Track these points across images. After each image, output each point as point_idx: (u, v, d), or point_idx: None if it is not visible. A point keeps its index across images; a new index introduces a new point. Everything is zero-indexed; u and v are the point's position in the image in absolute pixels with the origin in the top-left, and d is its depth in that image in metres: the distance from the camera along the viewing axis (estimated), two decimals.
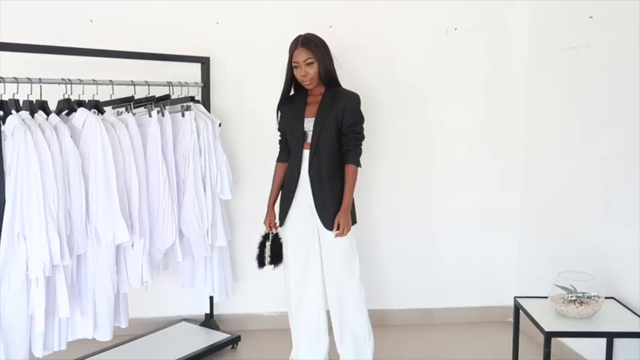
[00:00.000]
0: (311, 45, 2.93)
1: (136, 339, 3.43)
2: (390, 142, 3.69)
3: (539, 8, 3.63)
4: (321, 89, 3.04)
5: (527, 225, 3.80)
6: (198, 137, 3.20)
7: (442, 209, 3.87)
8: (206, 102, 3.49)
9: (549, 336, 2.49)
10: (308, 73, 2.93)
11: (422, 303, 3.92)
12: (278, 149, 3.22)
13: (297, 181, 3.03)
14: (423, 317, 3.92)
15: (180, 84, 3.28)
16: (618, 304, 2.79)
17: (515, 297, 2.90)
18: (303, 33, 2.97)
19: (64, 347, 2.71)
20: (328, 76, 2.99)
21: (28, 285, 2.53)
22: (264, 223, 3.18)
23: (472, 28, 3.75)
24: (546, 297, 2.76)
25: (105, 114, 2.86)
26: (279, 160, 3.20)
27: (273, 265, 3.15)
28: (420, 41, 3.73)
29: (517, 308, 2.86)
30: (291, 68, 2.99)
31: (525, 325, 2.89)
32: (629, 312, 2.69)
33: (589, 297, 2.63)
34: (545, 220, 3.58)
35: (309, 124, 3.01)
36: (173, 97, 3.24)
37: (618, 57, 2.89)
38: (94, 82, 2.84)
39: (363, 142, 3.06)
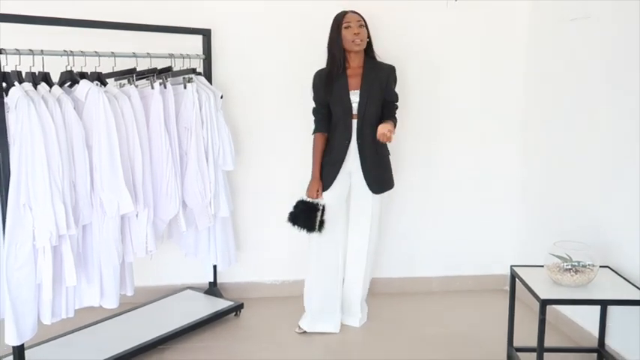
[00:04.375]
0: (359, 13, 3.14)
1: (141, 307, 3.46)
2: (401, 115, 3.66)
3: None
4: (360, 62, 3.17)
5: (524, 195, 3.80)
6: (200, 109, 3.18)
7: (443, 180, 3.88)
8: (208, 74, 3.46)
9: (545, 303, 2.50)
10: (361, 33, 3.08)
11: (421, 271, 3.95)
12: (314, 121, 3.27)
13: (347, 150, 3.17)
14: (421, 285, 3.94)
15: (182, 56, 3.26)
16: (612, 272, 2.79)
17: (512, 266, 2.90)
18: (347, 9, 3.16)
19: (71, 315, 2.73)
20: (370, 45, 3.19)
21: (35, 254, 2.54)
22: (309, 191, 3.22)
23: (471, 1, 3.69)
24: (542, 266, 2.77)
25: (107, 86, 2.84)
26: (319, 131, 3.24)
27: (320, 231, 3.18)
28: (420, 15, 3.69)
29: (513, 277, 2.87)
30: (338, 34, 3.09)
31: (521, 293, 2.90)
32: (623, 280, 2.70)
33: (584, 266, 2.63)
34: (543, 191, 3.58)
35: (354, 97, 3.14)
36: (175, 69, 3.22)
37: (618, 28, 2.85)
38: (96, 54, 2.82)
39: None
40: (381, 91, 3.14)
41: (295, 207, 3.20)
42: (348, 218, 3.34)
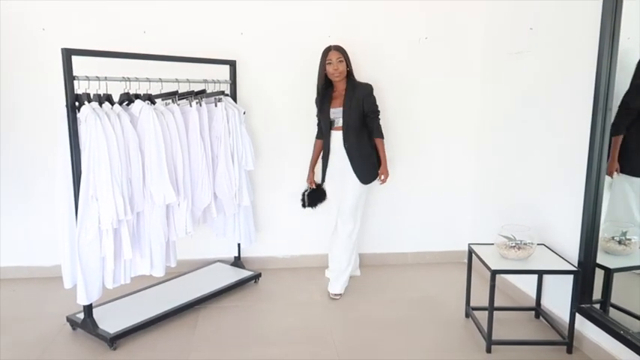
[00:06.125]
0: (341, 49, 3.16)
1: (182, 275, 3.48)
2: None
3: (492, 20, 3.58)
4: (344, 85, 3.19)
5: (479, 188, 3.82)
6: (228, 122, 3.19)
7: (416, 176, 3.88)
8: (233, 95, 3.47)
9: (494, 273, 2.52)
10: (339, 68, 3.12)
11: (398, 248, 3.96)
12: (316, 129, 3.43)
13: (328, 154, 3.28)
14: (399, 259, 3.96)
15: (213, 81, 3.27)
16: (547, 249, 2.81)
17: (469, 243, 2.92)
18: (332, 44, 3.19)
19: (128, 281, 2.76)
20: (350, 72, 3.20)
21: (100, 234, 2.57)
22: (307, 180, 3.47)
23: (438, 38, 3.70)
24: (492, 244, 2.79)
25: (156, 104, 2.85)
26: (317, 137, 3.41)
27: (311, 207, 3.46)
28: (399, 48, 3.69)
29: (470, 252, 2.89)
30: (324, 68, 3.16)
31: (476, 264, 2.92)
32: (555, 255, 2.72)
33: (525, 243, 2.65)
34: (493, 185, 3.59)
35: (334, 114, 3.20)
36: (208, 91, 3.23)
37: (553, 61, 2.86)
38: (148, 80, 2.83)
39: (380, 117, 3.26)
40: (360, 105, 3.14)
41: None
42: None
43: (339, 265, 3.33)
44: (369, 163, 3.24)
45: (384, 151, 3.26)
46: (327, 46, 3.18)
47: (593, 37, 2.41)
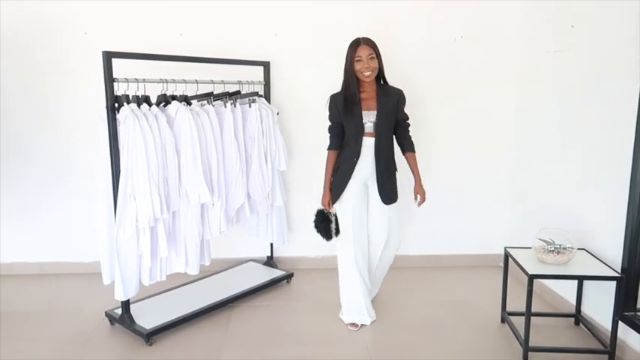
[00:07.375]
0: (372, 44, 2.70)
1: (216, 273, 3.52)
2: (416, 125, 3.65)
3: (529, 18, 3.48)
4: (373, 86, 2.76)
5: (515, 190, 3.72)
6: (262, 123, 3.22)
7: (453, 181, 3.82)
8: (267, 96, 3.50)
9: (532, 277, 2.45)
10: (370, 66, 2.67)
11: (433, 250, 3.91)
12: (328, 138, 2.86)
13: (356, 164, 2.76)
14: (433, 261, 3.90)
15: (247, 82, 3.30)
16: (587, 253, 2.72)
17: (506, 247, 2.85)
18: (361, 37, 2.73)
19: (164, 278, 2.81)
20: (382, 71, 2.77)
21: (137, 233, 2.62)
22: (322, 202, 2.88)
23: (474, 36, 3.63)
24: (530, 247, 2.72)
25: (192, 105, 2.90)
26: (332, 148, 2.84)
27: (336, 236, 2.90)
28: (434, 48, 3.64)
29: (507, 256, 2.82)
30: (351, 64, 2.70)
31: (513, 269, 2.85)
32: (596, 260, 2.62)
33: (564, 248, 2.57)
34: (530, 187, 3.49)
35: (367, 117, 2.73)
36: (242, 92, 3.26)
37: (594, 59, 2.77)
38: (184, 82, 2.88)
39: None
40: (394, 111, 2.76)
41: (316, 216, 2.92)
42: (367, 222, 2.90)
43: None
44: (393, 180, 2.86)
45: (418, 167, 2.84)
46: (355, 38, 2.72)
47: (638, 33, 2.31)
